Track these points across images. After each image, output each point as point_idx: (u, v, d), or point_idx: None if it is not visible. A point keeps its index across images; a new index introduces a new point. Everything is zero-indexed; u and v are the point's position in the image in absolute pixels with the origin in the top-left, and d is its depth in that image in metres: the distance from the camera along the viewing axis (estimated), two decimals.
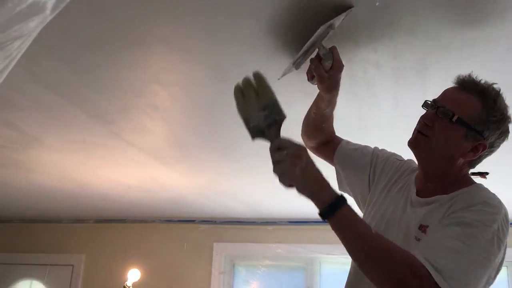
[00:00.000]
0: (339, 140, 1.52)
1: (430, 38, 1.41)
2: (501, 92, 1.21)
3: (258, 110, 1.15)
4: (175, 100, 1.88)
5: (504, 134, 1.24)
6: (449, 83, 1.29)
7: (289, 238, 4.01)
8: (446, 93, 1.24)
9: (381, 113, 1.92)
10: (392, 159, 1.44)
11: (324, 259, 3.98)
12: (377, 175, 1.42)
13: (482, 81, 1.21)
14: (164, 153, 2.51)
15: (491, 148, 1.23)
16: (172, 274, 4.13)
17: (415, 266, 1.03)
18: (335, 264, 4.00)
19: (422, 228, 1.21)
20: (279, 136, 1.14)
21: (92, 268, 4.30)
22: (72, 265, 4.33)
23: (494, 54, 1.47)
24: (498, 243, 1.11)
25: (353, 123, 2.03)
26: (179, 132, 2.22)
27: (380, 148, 1.50)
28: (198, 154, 2.52)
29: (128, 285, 2.59)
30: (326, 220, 1.10)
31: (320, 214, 1.11)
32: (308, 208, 3.93)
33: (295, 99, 1.81)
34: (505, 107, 1.22)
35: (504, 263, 1.31)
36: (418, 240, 1.19)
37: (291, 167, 1.12)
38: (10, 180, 3.13)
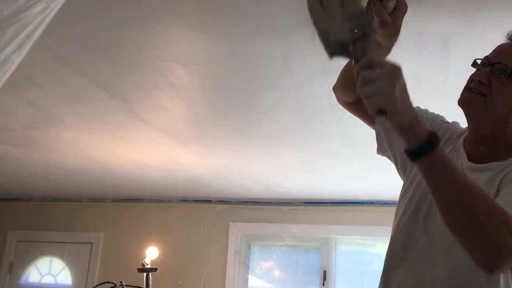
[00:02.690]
0: None
1: (455, 14, 1.39)
2: None
3: (342, 20, 0.95)
4: (194, 78, 1.88)
5: None
6: (471, 60, 1.26)
7: (304, 219, 4.03)
8: (499, 49, 1.14)
9: None
10: (437, 120, 1.30)
11: (339, 239, 3.99)
12: None
13: None
14: (182, 132, 2.52)
15: None
16: (189, 252, 4.19)
17: None
18: (350, 245, 4.01)
19: None
20: (369, 52, 0.93)
21: (111, 246, 4.38)
22: (91, 243, 4.42)
23: None
24: None
25: None
26: (197, 111, 2.22)
27: (422, 108, 1.32)
28: (215, 134, 2.53)
29: (147, 262, 2.64)
30: (418, 159, 0.90)
31: (413, 151, 0.90)
32: (324, 188, 3.91)
33: (314, 76, 1.80)
34: None
35: None
36: None
37: (389, 87, 0.89)
38: (31, 159, 3.18)
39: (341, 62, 1.45)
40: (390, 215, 4.06)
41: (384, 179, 3.26)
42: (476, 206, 0.90)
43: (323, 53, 1.44)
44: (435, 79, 1.77)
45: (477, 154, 1.15)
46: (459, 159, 1.17)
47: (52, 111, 2.30)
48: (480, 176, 1.10)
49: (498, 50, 1.14)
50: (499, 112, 1.11)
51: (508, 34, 1.15)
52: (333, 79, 1.80)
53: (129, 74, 1.86)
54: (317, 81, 1.84)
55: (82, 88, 2.02)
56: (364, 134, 2.26)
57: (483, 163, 1.12)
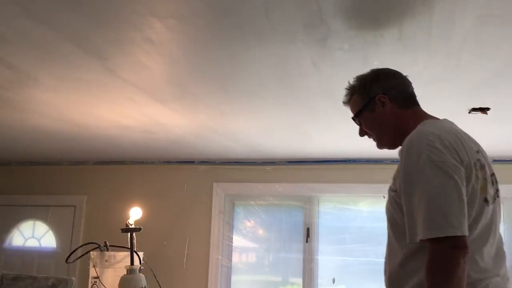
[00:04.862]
0: None
1: None
2: (360, 75, 1.63)
3: None
4: (172, 34, 1.82)
5: (375, 80, 1.58)
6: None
7: (288, 178, 4.06)
8: (350, 108, 1.67)
9: (383, 46, 1.87)
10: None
11: (322, 197, 4.04)
12: None
13: (351, 81, 1.64)
14: (162, 91, 2.47)
15: (388, 88, 1.55)
16: (173, 213, 4.21)
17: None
18: (333, 202, 4.06)
19: None
20: None
21: (94, 209, 4.37)
22: (74, 206, 4.40)
23: None
24: (436, 166, 1.25)
25: (354, 58, 1.98)
26: (176, 68, 2.17)
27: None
28: (196, 92, 2.48)
29: (130, 223, 2.64)
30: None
31: None
32: (306, 147, 3.94)
33: (296, 31, 1.76)
34: (367, 76, 1.61)
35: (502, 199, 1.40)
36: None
37: None
38: (6, 121, 3.10)
39: (321, 23, 1.40)
40: (371, 172, 4.19)
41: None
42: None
43: (306, 8, 1.40)
44: (419, 32, 1.74)
45: None
46: None
47: (25, 70, 2.22)
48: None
49: (350, 109, 1.65)
50: (388, 130, 1.55)
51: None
52: (316, 35, 1.77)
53: (105, 29, 1.79)
54: (300, 37, 1.80)
55: (55, 45, 1.94)
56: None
57: None
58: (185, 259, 4.09)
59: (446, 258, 1.19)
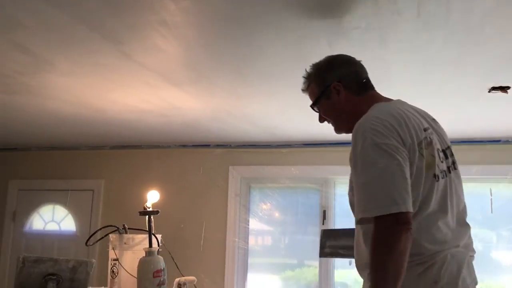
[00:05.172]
0: None
1: None
2: (316, 61, 1.66)
3: None
4: (187, 16, 1.81)
5: (329, 68, 1.62)
6: None
7: (304, 160, 4.05)
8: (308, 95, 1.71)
9: (401, 25, 1.84)
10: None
11: (338, 179, 4.03)
12: None
13: (308, 69, 1.68)
14: (177, 74, 2.47)
15: (342, 76, 1.59)
16: (190, 196, 4.24)
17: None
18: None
19: None
20: None
21: (112, 192, 4.43)
22: (92, 190, 4.46)
23: None
24: (379, 148, 1.33)
25: (371, 37, 1.95)
26: (191, 51, 2.16)
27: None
28: (211, 75, 2.47)
29: (148, 206, 2.66)
30: None
31: None
32: (321, 129, 3.93)
33: (313, 11, 1.73)
34: (322, 65, 1.65)
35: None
36: None
37: None
38: (24, 106, 3.14)
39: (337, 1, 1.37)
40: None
41: None
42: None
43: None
44: (438, 9, 1.70)
45: None
46: None
47: (42, 55, 2.23)
48: None
49: (309, 97, 1.70)
50: (344, 115, 1.60)
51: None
52: (332, 14, 1.74)
53: (120, 13, 1.79)
54: (315, 16, 1.77)
55: (71, 30, 1.95)
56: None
57: None
58: (202, 242, 4.13)
59: (389, 234, 1.27)
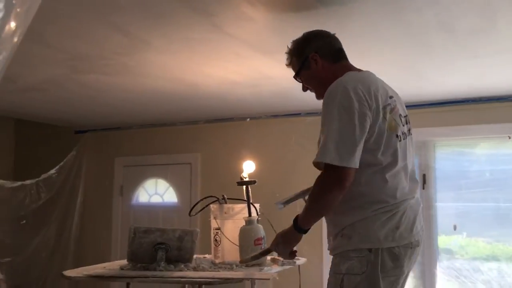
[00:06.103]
0: None
1: None
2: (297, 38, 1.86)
3: None
4: None
5: (307, 42, 1.83)
6: None
7: None
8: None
9: None
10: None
11: (438, 142, 3.82)
12: None
13: (289, 45, 1.88)
14: (267, 42, 2.44)
15: (318, 47, 1.80)
16: (283, 165, 4.26)
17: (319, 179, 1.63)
18: (450, 146, 3.83)
19: None
20: None
21: (208, 165, 4.58)
22: (190, 163, 4.65)
23: None
24: (343, 110, 1.55)
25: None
26: (280, 16, 2.11)
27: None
28: None
29: (245, 176, 2.70)
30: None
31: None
32: (420, 88, 3.70)
33: None
34: (300, 40, 1.86)
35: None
36: None
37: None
38: (124, 86, 3.30)
39: None
40: (495, 111, 3.84)
41: (489, 73, 2.99)
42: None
43: None
44: None
45: None
46: None
47: (138, 35, 2.31)
48: None
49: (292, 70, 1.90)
50: (321, 83, 1.76)
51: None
52: None
53: None
54: None
55: (164, 6, 1.99)
56: (467, 23, 2.05)
57: None
58: (298, 209, 4.14)
59: (325, 183, 1.58)
